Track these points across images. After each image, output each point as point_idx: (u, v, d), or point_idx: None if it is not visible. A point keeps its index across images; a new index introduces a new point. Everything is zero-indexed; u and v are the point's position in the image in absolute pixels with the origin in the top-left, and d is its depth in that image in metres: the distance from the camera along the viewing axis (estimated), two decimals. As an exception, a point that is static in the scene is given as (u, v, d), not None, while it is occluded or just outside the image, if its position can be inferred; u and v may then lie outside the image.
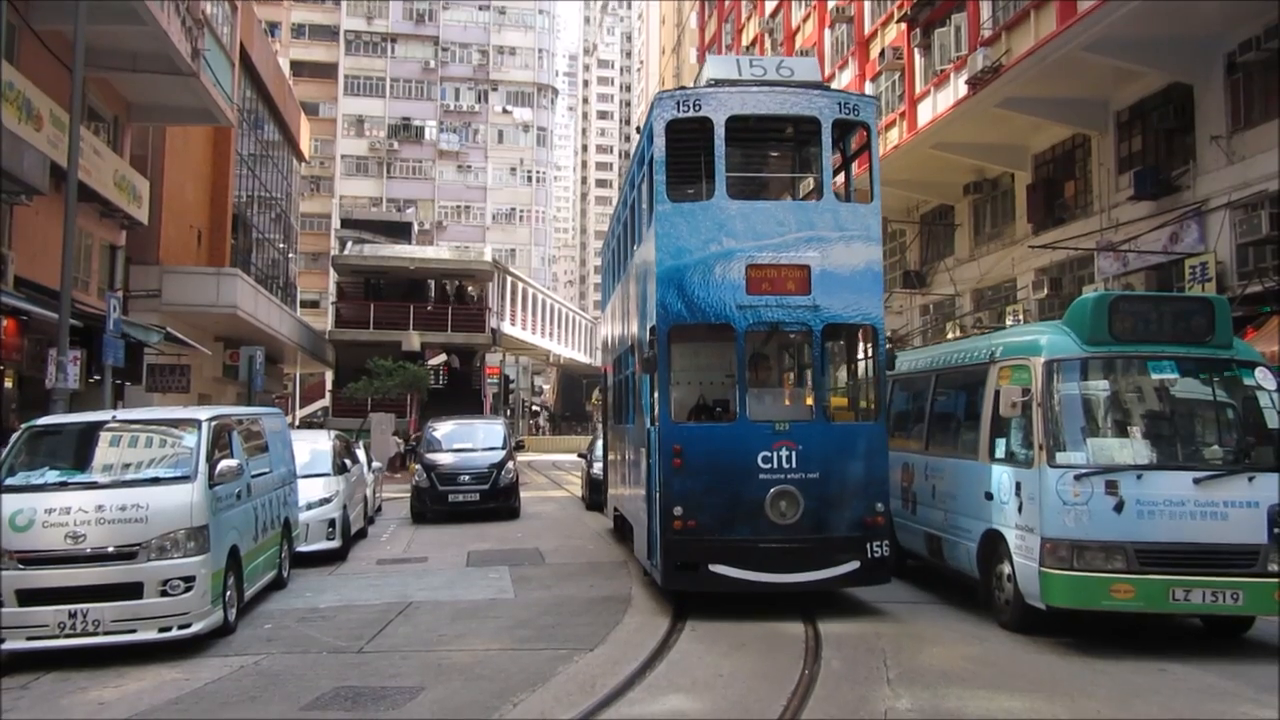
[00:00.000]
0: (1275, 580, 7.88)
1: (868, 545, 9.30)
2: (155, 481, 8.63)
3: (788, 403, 10.83)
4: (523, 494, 20.55)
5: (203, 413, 9.64)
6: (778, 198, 12.39)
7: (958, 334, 23.32)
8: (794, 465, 9.22)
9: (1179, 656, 8.01)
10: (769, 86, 9.96)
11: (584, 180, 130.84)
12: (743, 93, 9.79)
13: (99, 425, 9.44)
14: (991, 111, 20.78)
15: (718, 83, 9.96)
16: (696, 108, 9.60)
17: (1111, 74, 18.62)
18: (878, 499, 9.45)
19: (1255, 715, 6.50)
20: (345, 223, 52.85)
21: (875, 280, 9.76)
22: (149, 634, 8.09)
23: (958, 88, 21.94)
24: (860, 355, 10.67)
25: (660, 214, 9.66)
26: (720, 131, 9.52)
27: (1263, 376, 8.57)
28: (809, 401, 10.50)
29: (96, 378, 16.08)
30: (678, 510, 9.21)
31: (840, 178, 10.84)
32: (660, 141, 9.66)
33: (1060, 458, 8.24)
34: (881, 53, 26.90)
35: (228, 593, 8.95)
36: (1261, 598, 7.92)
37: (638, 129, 12.07)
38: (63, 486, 8.45)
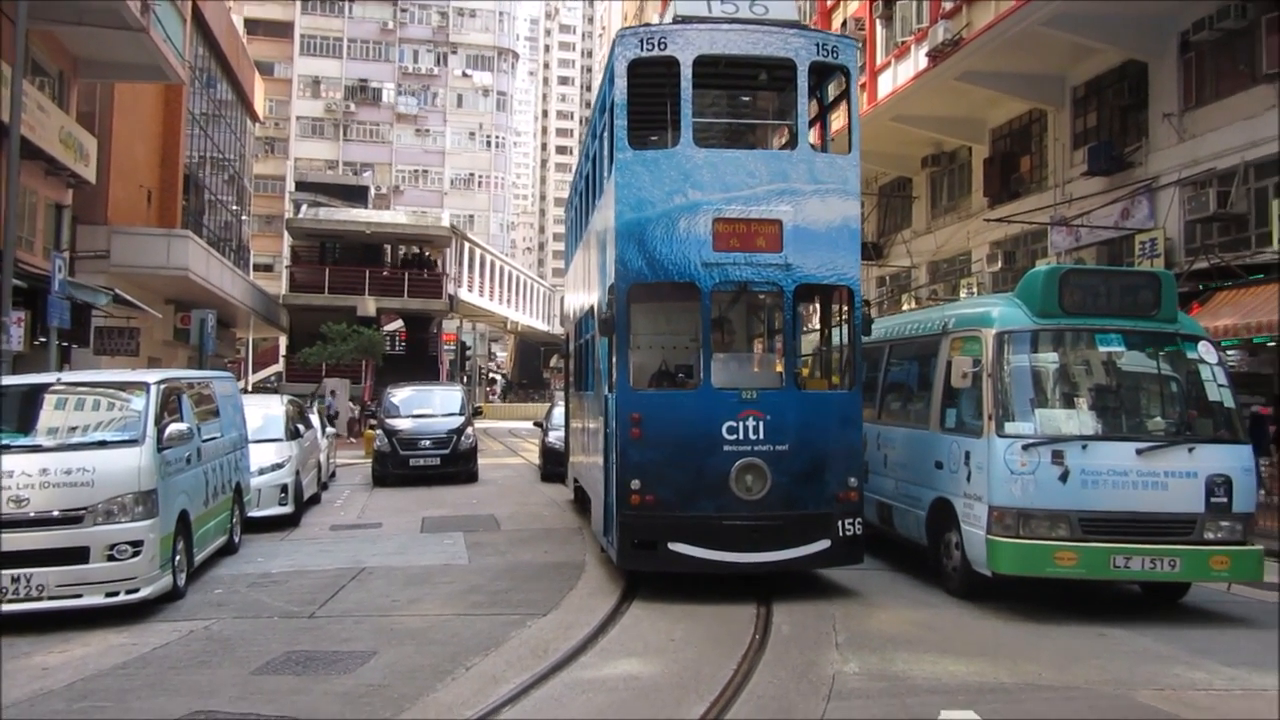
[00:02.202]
0: (1210, 548, 8.12)
1: (839, 523, 8.83)
2: (102, 445, 8.50)
3: (756, 369, 10.33)
4: (480, 460, 20.55)
5: (151, 376, 9.48)
6: (751, 148, 11.70)
7: (913, 305, 23.59)
8: (761, 436, 8.70)
9: (1118, 621, 8.24)
10: (741, 25, 9.25)
11: (544, 146, 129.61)
12: (712, 31, 9.11)
13: (43, 388, 9.27)
14: (951, 84, 20.88)
15: (685, 20, 9.26)
16: (661, 46, 8.97)
17: (1069, 50, 18.79)
18: (851, 473, 8.95)
19: (1188, 676, 6.71)
20: (300, 185, 51.92)
21: (852, 238, 9.19)
22: (95, 599, 7.99)
23: (918, 60, 22.00)
24: (834, 319, 10.24)
25: (621, 162, 9.06)
26: (687, 73, 8.90)
27: (1205, 350, 8.78)
28: (779, 368, 10.03)
29: (42, 340, 15.75)
30: (635, 484, 8.71)
31: (817, 127, 10.39)
32: (622, 83, 9.03)
33: (1009, 428, 8.38)
34: (844, 23, 26.88)
35: (177, 557, 8.86)
36: (1198, 565, 8.16)
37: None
38: (5, 450, 8.26)
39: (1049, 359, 9.02)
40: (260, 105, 41.63)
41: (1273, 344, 15.31)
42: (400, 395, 21.06)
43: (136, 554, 8.13)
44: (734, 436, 8.72)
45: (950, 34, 19.97)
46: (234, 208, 37.45)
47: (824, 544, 8.83)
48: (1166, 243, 17.18)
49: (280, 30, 64.62)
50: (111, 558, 8.03)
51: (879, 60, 24.58)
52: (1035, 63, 19.65)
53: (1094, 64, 19.29)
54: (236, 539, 11.42)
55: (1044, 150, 21.26)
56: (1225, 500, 8.16)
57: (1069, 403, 8.94)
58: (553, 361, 55.45)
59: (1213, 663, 7.03)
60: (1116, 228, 18.28)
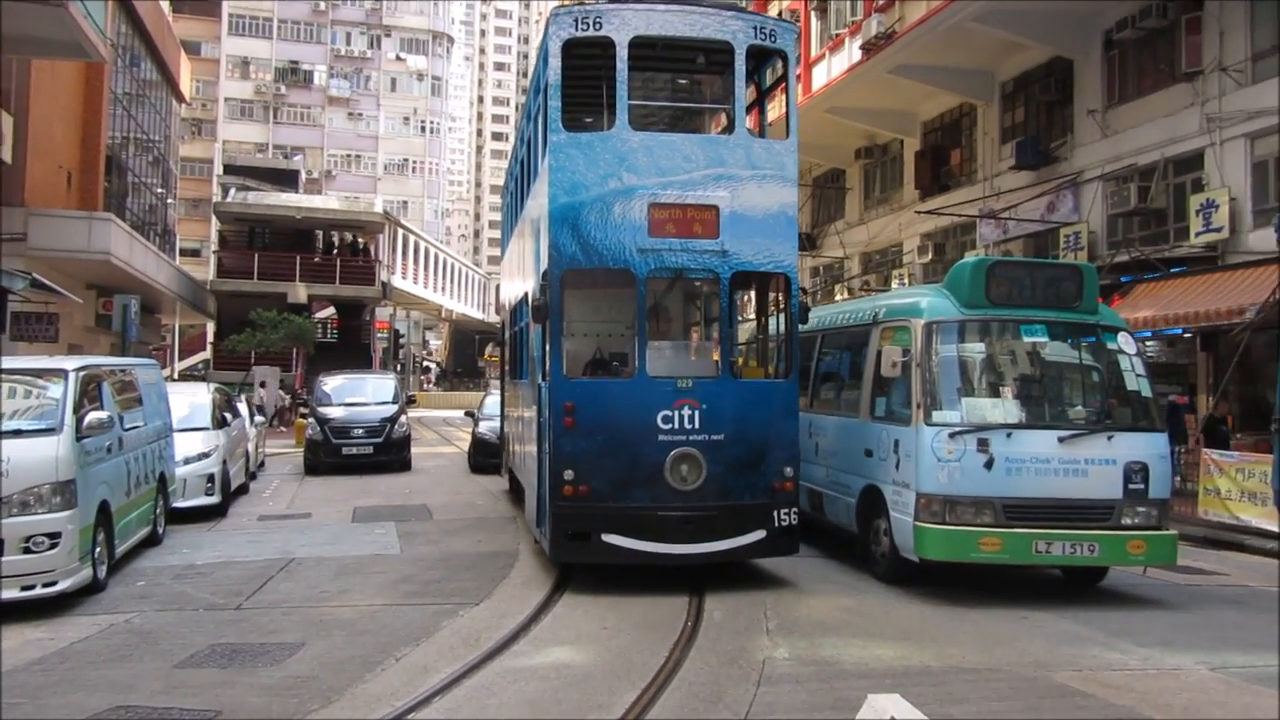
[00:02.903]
0: (1128, 533, 8.38)
1: (775, 513, 8.80)
2: (17, 434, 8.22)
3: (692, 357, 10.13)
4: (413, 449, 20.35)
5: (70, 362, 9.21)
6: (690, 132, 11.53)
7: (846, 296, 23.91)
8: (697, 425, 8.60)
9: (1039, 604, 8.46)
10: (678, 6, 9.12)
11: (479, 133, 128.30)
12: (649, 11, 8.97)
13: (-46, 375, 8.92)
14: (884, 78, 21.19)
15: (622, 0, 9.13)
16: (597, 26, 8.80)
17: (999, 45, 19.17)
18: (787, 463, 8.91)
19: (1105, 657, 6.92)
20: (228, 168, 50.67)
21: (789, 224, 9.16)
22: (11, 593, 7.74)
23: (852, 52, 22.27)
24: (771, 307, 10.19)
25: (555, 145, 8.89)
26: (623, 54, 8.75)
27: (1124, 341, 9.04)
28: (715, 356, 9.89)
29: (-46, 325, 15.18)
30: (568, 474, 8.56)
31: (754, 112, 10.36)
32: (556, 64, 8.86)
33: (936, 416, 8.53)
34: (779, 15, 27.05)
35: (97, 549, 8.62)
36: (1115, 549, 8.41)
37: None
38: (-86, 439, 7.98)
39: (975, 349, 9.21)
40: (186, 86, 40.49)
41: (1189, 335, 15.83)
42: (332, 383, 20.81)
43: (54, 546, 7.90)
44: (669, 426, 8.62)
45: (883, 28, 20.25)
46: (159, 190, 36.42)
47: (760, 534, 8.80)
48: (1090, 236, 17.66)
49: (207, 9, 62.78)
50: (28, 550, 7.79)
51: (814, 52, 24.83)
52: (966, 57, 20.04)
53: (1022, 60, 19.71)
54: (160, 530, 11.16)
55: (974, 144, 21.68)
56: (1142, 487, 8.42)
57: (994, 392, 9.15)
58: (488, 350, 55.01)
59: (1127, 644, 7.26)
60: (1042, 221, 18.73)
